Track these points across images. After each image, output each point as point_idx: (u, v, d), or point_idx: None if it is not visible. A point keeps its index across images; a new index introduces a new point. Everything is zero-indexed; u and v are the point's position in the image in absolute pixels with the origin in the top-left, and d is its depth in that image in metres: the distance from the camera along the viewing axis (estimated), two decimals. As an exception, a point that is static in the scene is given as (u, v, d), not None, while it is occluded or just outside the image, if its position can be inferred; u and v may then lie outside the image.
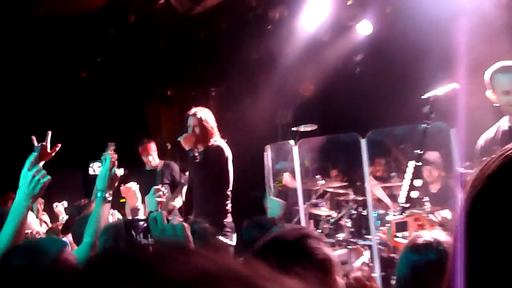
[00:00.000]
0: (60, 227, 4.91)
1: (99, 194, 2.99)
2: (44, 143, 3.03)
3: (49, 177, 2.49)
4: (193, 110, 5.09)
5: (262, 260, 1.75)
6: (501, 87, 3.43)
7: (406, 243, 2.18)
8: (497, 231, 0.75)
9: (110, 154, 3.32)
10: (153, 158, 6.33)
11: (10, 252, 2.16)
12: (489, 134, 3.61)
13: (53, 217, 6.19)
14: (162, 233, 2.07)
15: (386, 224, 5.25)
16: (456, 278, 0.78)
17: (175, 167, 6.11)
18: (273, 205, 3.87)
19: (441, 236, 2.04)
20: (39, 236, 3.53)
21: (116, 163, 3.30)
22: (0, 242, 2.35)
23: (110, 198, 3.02)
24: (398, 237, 4.24)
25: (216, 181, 4.89)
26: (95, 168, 3.40)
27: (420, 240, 2.05)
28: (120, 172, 3.31)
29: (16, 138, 3.75)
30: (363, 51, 7.07)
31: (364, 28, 6.53)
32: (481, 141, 3.65)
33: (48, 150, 3.05)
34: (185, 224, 2.05)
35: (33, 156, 2.53)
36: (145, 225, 2.33)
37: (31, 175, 2.44)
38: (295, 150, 5.83)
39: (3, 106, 7.33)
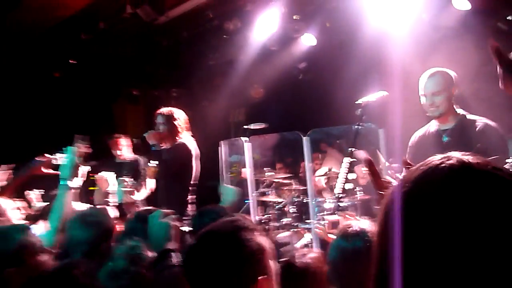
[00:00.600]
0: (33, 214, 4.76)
1: (62, 182, 2.89)
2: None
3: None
4: (161, 110, 4.93)
5: (199, 252, 1.72)
6: (419, 90, 3.44)
7: (338, 231, 2.19)
8: (422, 224, 0.78)
9: (77, 146, 3.23)
10: (121, 152, 6.19)
11: None
12: (420, 133, 3.59)
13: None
14: (152, 227, 2.07)
15: (322, 221, 5.34)
16: (391, 265, 0.79)
17: (141, 161, 5.94)
18: (227, 191, 3.79)
19: (367, 225, 2.07)
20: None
21: (85, 154, 3.22)
22: None
23: (73, 186, 2.93)
24: (331, 233, 4.31)
25: (178, 175, 4.76)
26: (58, 158, 3.27)
27: (349, 229, 2.07)
28: (86, 168, 3.22)
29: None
30: (306, 60, 7.12)
31: (307, 40, 6.57)
32: (412, 139, 3.62)
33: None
34: (171, 223, 2.04)
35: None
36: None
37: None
38: (247, 146, 5.84)
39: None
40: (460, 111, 3.38)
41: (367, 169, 1.32)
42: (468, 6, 5.04)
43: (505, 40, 4.96)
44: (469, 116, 3.35)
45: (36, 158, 3.25)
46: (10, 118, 6.85)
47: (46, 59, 7.50)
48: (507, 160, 2.82)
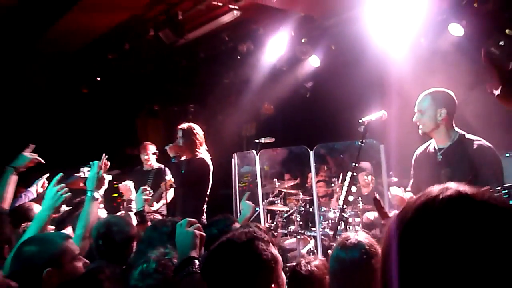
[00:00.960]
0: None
1: (88, 194, 2.95)
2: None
3: (69, 193, 2.55)
4: (182, 125, 4.90)
5: (218, 259, 1.73)
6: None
7: (336, 243, 2.19)
8: (420, 251, 0.79)
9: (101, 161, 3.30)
10: (148, 159, 6.04)
11: (25, 241, 2.19)
12: (420, 150, 3.49)
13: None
14: (178, 236, 2.09)
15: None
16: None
17: (166, 170, 5.82)
18: (246, 207, 3.84)
19: (364, 238, 2.08)
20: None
21: (106, 168, 3.28)
22: None
23: (97, 197, 2.99)
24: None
25: (195, 186, 4.73)
26: (85, 172, 3.35)
27: (347, 241, 2.08)
28: (108, 177, 3.28)
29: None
30: (312, 80, 7.15)
31: (314, 61, 6.59)
32: (415, 156, 3.52)
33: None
34: (196, 232, 2.07)
35: (59, 175, 2.60)
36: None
37: (55, 190, 2.48)
38: (257, 158, 5.86)
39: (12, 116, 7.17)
40: (457, 130, 3.27)
41: (374, 204, 1.34)
42: (461, 32, 5.04)
43: (497, 62, 4.96)
44: (467, 136, 3.22)
45: (75, 175, 3.35)
46: (42, 131, 6.94)
47: (75, 76, 7.59)
48: (503, 186, 2.76)
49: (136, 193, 4.34)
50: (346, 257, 2.02)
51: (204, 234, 2.15)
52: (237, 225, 2.97)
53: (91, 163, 3.17)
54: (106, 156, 3.55)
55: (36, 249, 2.04)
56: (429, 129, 3.26)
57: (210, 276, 1.68)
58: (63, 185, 2.60)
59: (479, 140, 3.17)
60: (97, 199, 2.99)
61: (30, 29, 5.98)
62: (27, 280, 1.94)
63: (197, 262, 2.06)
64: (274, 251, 1.70)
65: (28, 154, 3.25)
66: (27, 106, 7.25)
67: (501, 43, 4.87)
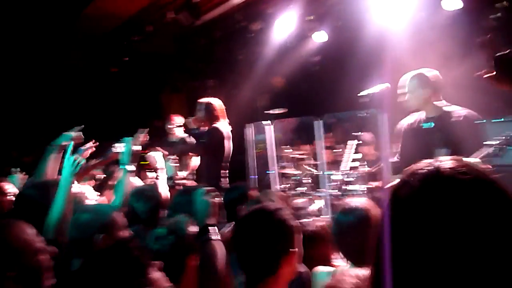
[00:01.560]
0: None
1: (121, 167, 2.96)
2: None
3: (84, 160, 2.53)
4: (201, 100, 4.84)
5: (249, 225, 1.75)
6: None
7: (339, 207, 2.18)
8: (402, 224, 0.78)
9: (138, 136, 3.33)
10: (173, 129, 5.80)
11: (82, 210, 2.21)
12: (408, 121, 3.48)
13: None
14: (195, 204, 2.11)
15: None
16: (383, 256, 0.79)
17: (189, 140, 5.59)
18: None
19: (361, 203, 2.04)
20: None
21: (144, 142, 3.28)
22: (55, 208, 2.33)
23: (130, 169, 2.99)
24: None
25: (213, 153, 4.69)
26: (117, 148, 3.35)
27: (346, 206, 2.06)
28: (138, 148, 3.28)
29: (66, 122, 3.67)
30: (320, 54, 6.98)
31: (320, 37, 6.41)
32: (401, 127, 3.52)
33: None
34: (213, 201, 2.09)
35: (71, 145, 2.58)
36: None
37: (72, 159, 2.43)
38: (271, 128, 5.80)
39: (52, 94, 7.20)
40: (441, 103, 3.29)
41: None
42: (460, 5, 4.82)
43: (493, 36, 4.74)
44: (453, 107, 3.25)
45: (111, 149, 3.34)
46: (76, 108, 6.96)
47: (105, 57, 7.59)
48: (485, 143, 2.74)
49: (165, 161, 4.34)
50: (343, 220, 2.00)
51: (220, 201, 2.14)
52: (253, 192, 2.97)
53: (124, 139, 3.16)
54: (142, 132, 3.53)
55: (90, 217, 2.05)
56: (415, 107, 3.35)
57: (240, 239, 1.71)
58: (78, 154, 2.58)
59: (463, 110, 3.19)
60: (131, 171, 2.99)
61: (67, 11, 5.97)
62: (83, 244, 1.96)
63: (214, 228, 2.05)
64: (293, 221, 1.74)
65: (72, 133, 3.19)
66: (66, 83, 7.28)
67: (498, 14, 4.65)
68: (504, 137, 2.69)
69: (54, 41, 6.64)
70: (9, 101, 6.86)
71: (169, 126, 5.88)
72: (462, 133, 3.00)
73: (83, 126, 3.25)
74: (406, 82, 3.37)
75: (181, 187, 4.10)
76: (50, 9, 5.82)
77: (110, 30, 6.64)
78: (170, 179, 3.89)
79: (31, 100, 7.12)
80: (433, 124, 3.25)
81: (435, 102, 3.28)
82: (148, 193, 2.94)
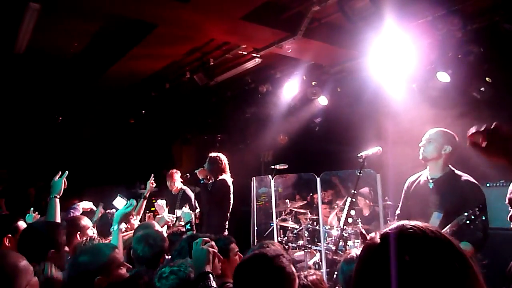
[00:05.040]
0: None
1: (114, 227, 2.94)
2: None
3: (135, 202, 2.92)
4: (210, 154, 4.97)
5: (249, 269, 1.77)
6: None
7: (343, 256, 2.20)
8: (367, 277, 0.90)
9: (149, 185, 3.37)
10: (173, 184, 5.88)
11: (80, 251, 2.21)
12: (412, 179, 3.39)
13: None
14: (195, 252, 2.09)
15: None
16: None
17: (189, 192, 5.75)
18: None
19: None
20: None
21: (152, 187, 3.32)
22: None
23: (119, 230, 2.95)
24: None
25: (219, 204, 4.75)
26: (116, 202, 3.33)
27: (349, 256, 2.10)
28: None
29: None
30: (320, 116, 7.15)
31: (322, 101, 6.61)
32: (406, 183, 3.41)
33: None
34: (210, 249, 2.07)
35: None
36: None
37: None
38: (272, 182, 5.87)
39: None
40: (450, 167, 3.18)
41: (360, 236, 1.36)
42: (448, 79, 5.02)
43: (479, 106, 4.91)
44: (456, 172, 3.16)
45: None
46: (98, 154, 7.07)
47: (125, 109, 7.82)
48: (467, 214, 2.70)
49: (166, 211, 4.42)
50: (347, 270, 2.05)
51: (216, 250, 2.13)
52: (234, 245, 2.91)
53: (128, 201, 3.18)
54: (153, 178, 3.59)
55: (88, 259, 2.03)
56: (430, 157, 3.16)
57: (242, 283, 1.69)
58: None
59: (467, 176, 3.11)
60: (120, 230, 2.97)
61: (93, 70, 6.27)
62: (82, 285, 1.94)
63: (211, 276, 2.05)
64: (292, 268, 1.74)
65: (59, 179, 3.18)
66: (88, 132, 7.47)
67: (482, 89, 4.84)
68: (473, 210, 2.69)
69: (79, 95, 6.87)
70: (38, 146, 7.06)
71: (170, 184, 5.94)
72: (461, 199, 2.94)
73: (67, 172, 3.17)
74: (432, 132, 3.22)
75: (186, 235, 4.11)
76: (78, 65, 6.10)
77: (132, 85, 6.89)
78: (188, 223, 3.91)
79: (54, 146, 7.31)
80: (432, 185, 3.16)
81: (445, 162, 3.15)
82: (153, 239, 2.94)
